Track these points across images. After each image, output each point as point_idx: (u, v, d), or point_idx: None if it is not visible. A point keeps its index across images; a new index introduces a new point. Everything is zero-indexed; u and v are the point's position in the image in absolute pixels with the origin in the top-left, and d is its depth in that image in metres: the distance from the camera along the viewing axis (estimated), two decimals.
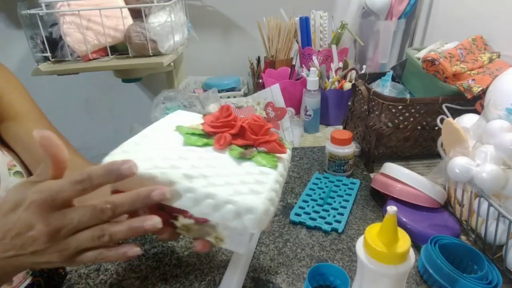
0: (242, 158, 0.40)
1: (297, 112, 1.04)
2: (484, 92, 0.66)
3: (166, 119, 0.47)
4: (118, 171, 0.32)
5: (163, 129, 0.44)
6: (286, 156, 0.45)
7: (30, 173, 0.58)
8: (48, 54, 0.92)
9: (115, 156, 0.36)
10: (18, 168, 0.56)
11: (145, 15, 0.91)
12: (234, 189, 0.35)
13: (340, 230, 0.58)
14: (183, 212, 0.36)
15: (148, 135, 0.42)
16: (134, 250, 0.35)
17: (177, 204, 0.35)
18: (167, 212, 0.37)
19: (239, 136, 0.43)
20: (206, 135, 0.43)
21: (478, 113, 0.60)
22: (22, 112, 0.58)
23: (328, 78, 0.98)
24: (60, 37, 0.91)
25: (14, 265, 0.34)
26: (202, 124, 0.46)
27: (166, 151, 0.39)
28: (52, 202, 0.32)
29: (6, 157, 0.56)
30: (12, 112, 0.57)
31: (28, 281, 0.54)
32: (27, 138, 0.57)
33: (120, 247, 0.35)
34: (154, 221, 0.34)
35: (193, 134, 0.43)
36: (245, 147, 0.42)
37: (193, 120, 0.48)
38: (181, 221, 0.37)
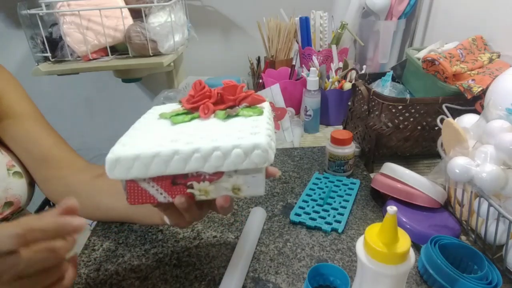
0: (230, 116, 0.43)
1: (297, 112, 1.04)
2: (484, 92, 0.66)
3: (146, 115, 0.49)
4: (68, 226, 0.30)
5: (149, 121, 0.46)
6: (266, 104, 0.47)
7: (28, 173, 0.58)
8: (48, 54, 0.92)
9: (117, 151, 0.37)
10: (17, 168, 0.57)
11: (145, 15, 0.91)
12: (235, 137, 0.38)
13: (340, 230, 0.58)
14: (196, 178, 0.38)
15: (139, 127, 0.44)
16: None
17: (188, 169, 0.37)
18: (182, 184, 0.39)
19: (219, 103, 0.46)
20: (190, 111, 0.45)
21: (478, 113, 0.60)
22: (21, 112, 0.58)
23: (328, 78, 0.98)
24: (60, 37, 0.91)
25: None
26: (182, 106, 0.47)
27: (161, 133, 0.41)
28: None
29: (5, 157, 0.56)
30: (11, 112, 0.57)
31: None
32: (26, 138, 0.57)
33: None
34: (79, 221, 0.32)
35: (177, 114, 0.44)
36: (228, 109, 0.45)
37: (172, 107, 0.49)
38: (197, 187, 0.39)
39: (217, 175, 0.38)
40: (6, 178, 0.54)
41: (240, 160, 0.37)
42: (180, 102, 0.48)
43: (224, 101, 0.46)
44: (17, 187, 0.56)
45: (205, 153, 0.36)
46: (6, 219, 0.55)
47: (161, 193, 0.39)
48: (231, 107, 0.45)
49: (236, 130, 0.39)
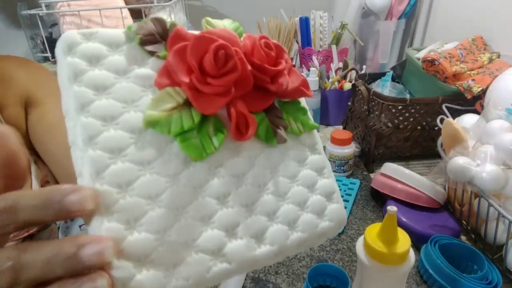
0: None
1: None
2: (484, 92, 0.66)
3: (106, 100, 0.21)
4: (60, 204, 0.18)
5: (124, 144, 0.21)
6: (303, 100, 0.30)
7: None
8: (48, 54, 0.92)
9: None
10: (51, 184, 0.52)
11: (145, 15, 0.91)
12: (313, 210, 0.26)
13: (340, 230, 0.58)
14: None
15: (126, 176, 0.21)
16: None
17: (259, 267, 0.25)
18: None
19: (250, 92, 0.25)
20: (202, 119, 0.23)
21: (478, 113, 0.60)
22: (55, 123, 0.50)
23: (328, 78, 0.98)
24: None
25: None
26: (175, 85, 0.22)
27: (192, 204, 0.22)
28: None
29: (41, 172, 0.51)
30: (47, 123, 0.50)
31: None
32: (59, 151, 0.50)
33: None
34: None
35: (188, 131, 0.22)
36: (272, 117, 0.27)
37: (146, 92, 0.23)
38: None
39: None
40: None
41: (319, 243, 0.27)
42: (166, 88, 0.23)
43: (258, 84, 0.25)
44: None
45: (290, 253, 0.25)
46: (31, 236, 0.51)
47: None
48: (269, 108, 0.26)
49: (301, 182, 0.26)
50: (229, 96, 0.23)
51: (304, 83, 0.27)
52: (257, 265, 0.23)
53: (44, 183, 0.51)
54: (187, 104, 0.22)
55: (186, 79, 0.22)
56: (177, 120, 0.22)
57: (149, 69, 0.23)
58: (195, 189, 0.22)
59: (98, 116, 0.21)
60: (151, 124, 0.21)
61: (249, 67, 0.24)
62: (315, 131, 0.29)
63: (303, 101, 0.29)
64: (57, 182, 0.53)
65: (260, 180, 0.24)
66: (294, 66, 0.31)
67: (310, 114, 0.29)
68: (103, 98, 0.21)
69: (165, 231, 0.20)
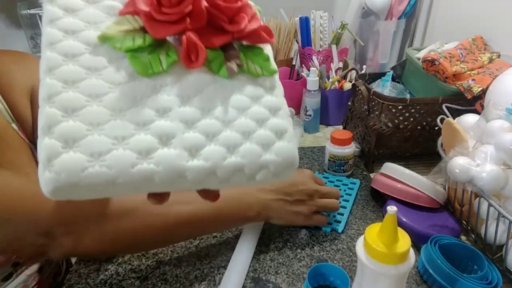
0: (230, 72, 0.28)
1: (297, 112, 1.03)
2: (484, 92, 0.66)
3: (60, 22, 0.26)
4: None
5: (79, 51, 0.25)
6: (269, 47, 0.32)
7: None
8: None
9: (65, 165, 0.22)
10: None
11: None
12: (258, 141, 0.27)
13: (340, 230, 0.58)
14: None
15: (73, 75, 0.24)
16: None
17: (190, 189, 0.27)
18: None
19: (205, 29, 0.27)
20: (154, 43, 0.26)
21: (478, 113, 0.60)
22: None
23: (328, 78, 0.98)
24: None
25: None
26: (130, 13, 0.26)
27: (130, 110, 0.25)
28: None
29: None
30: None
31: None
32: None
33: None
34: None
35: (139, 49, 0.26)
36: (228, 51, 0.29)
37: (108, 16, 0.27)
38: None
39: None
40: None
41: (265, 181, 0.28)
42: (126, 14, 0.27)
43: (213, 24, 0.28)
44: None
45: (223, 175, 0.26)
46: None
47: None
48: (226, 45, 0.29)
49: (250, 114, 0.28)
50: (181, 25, 0.26)
51: (266, 29, 0.30)
52: (186, 176, 0.25)
53: None
54: (143, 30, 0.26)
55: (145, 8, 0.25)
56: (129, 39, 0.26)
57: (117, 2, 0.27)
58: (135, 99, 0.25)
59: (61, 28, 0.25)
60: (105, 39, 0.25)
61: (205, 3, 0.27)
62: (276, 78, 0.31)
63: (267, 49, 0.31)
64: None
65: (205, 105, 0.27)
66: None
67: (273, 62, 0.31)
68: (70, 17, 0.26)
69: (98, 125, 0.24)
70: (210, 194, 0.30)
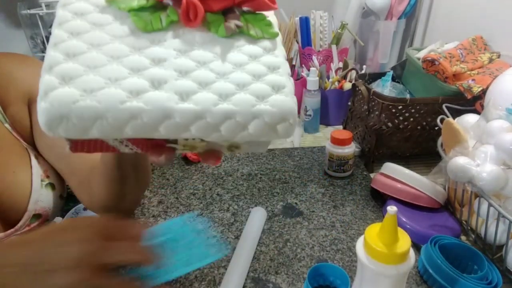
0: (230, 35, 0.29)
1: (297, 112, 1.03)
2: (484, 92, 0.66)
3: None
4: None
5: (87, 10, 0.29)
6: (273, 15, 0.33)
7: (62, 184, 0.55)
8: None
9: (60, 97, 0.24)
10: (51, 179, 0.54)
11: None
12: (253, 92, 0.27)
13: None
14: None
15: (76, 27, 0.27)
16: None
17: (183, 136, 0.27)
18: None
19: None
20: (157, 4, 0.29)
21: (478, 113, 0.60)
22: None
23: (328, 78, 0.98)
24: None
25: None
26: None
27: (124, 51, 0.27)
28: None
29: (42, 167, 0.53)
30: None
31: None
32: (61, 148, 0.50)
33: None
34: None
35: (142, 8, 0.28)
36: (221, 12, 0.30)
37: None
38: (183, 142, 0.29)
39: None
40: (39, 189, 0.51)
41: (261, 134, 0.27)
42: None
43: None
44: (48, 199, 0.53)
45: (214, 121, 0.26)
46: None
47: (126, 145, 0.29)
48: (227, 9, 0.30)
49: (247, 69, 0.28)
50: None
51: (262, 5, 0.30)
52: (174, 117, 0.25)
53: (44, 177, 0.52)
54: None
55: None
56: (133, 1, 0.28)
57: None
58: (133, 49, 0.27)
59: None
60: (112, 1, 0.28)
61: None
62: (278, 41, 0.31)
63: (270, 16, 0.32)
64: (58, 177, 0.55)
65: (201, 58, 0.28)
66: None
67: (276, 27, 0.31)
68: None
69: (95, 68, 0.26)
70: (211, 156, 0.30)
